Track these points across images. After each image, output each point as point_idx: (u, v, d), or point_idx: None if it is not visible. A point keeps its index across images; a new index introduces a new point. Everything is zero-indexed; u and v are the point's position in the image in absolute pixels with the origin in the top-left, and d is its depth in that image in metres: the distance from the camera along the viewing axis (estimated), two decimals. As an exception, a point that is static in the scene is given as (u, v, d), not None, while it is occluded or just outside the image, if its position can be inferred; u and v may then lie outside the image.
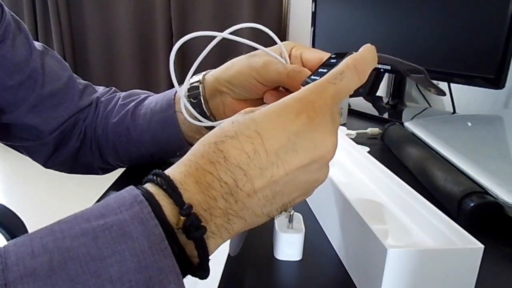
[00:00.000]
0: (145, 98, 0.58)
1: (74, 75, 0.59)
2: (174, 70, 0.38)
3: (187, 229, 0.24)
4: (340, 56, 0.36)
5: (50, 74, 0.55)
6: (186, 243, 0.25)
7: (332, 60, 0.37)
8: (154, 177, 0.26)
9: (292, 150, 0.27)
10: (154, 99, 0.56)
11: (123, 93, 0.61)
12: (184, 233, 0.24)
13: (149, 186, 0.26)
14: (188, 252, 0.25)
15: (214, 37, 0.39)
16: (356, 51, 0.32)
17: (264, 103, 0.46)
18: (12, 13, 0.53)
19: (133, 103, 0.57)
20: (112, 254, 0.22)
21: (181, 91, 0.42)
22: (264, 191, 0.27)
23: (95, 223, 0.23)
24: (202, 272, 0.26)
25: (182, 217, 0.24)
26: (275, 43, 0.43)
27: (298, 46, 0.46)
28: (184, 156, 0.28)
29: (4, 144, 0.59)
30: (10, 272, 0.21)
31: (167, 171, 0.27)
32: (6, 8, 0.51)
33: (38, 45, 0.56)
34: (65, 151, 0.59)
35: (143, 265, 0.22)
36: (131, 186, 0.25)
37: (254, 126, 0.27)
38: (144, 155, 0.57)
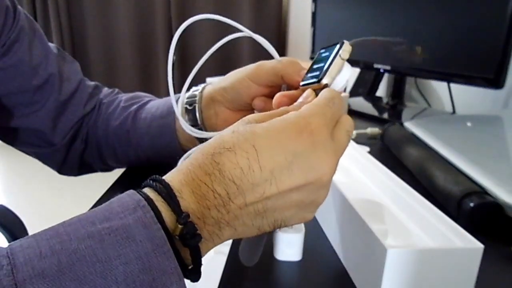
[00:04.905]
0: (148, 102, 0.57)
1: (84, 77, 0.59)
2: (172, 77, 0.39)
3: (184, 237, 0.25)
4: (328, 49, 0.37)
5: (66, 79, 0.54)
6: (181, 248, 0.26)
7: (323, 54, 0.38)
8: (154, 183, 0.27)
9: (287, 170, 0.27)
10: (156, 104, 0.56)
11: (125, 96, 0.60)
12: (180, 239, 0.25)
13: (148, 191, 0.27)
14: (182, 255, 0.26)
15: (214, 43, 0.40)
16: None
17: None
18: (26, 13, 0.52)
19: (135, 106, 0.57)
20: (118, 256, 0.23)
21: (179, 101, 0.42)
22: (255, 205, 0.27)
23: (100, 226, 0.24)
24: (194, 275, 0.27)
25: (179, 225, 0.25)
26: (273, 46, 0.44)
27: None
28: (184, 163, 0.28)
29: (16, 148, 0.58)
30: (19, 273, 0.21)
31: (166, 178, 0.27)
32: (19, 8, 0.50)
33: (52, 47, 0.55)
34: (74, 155, 0.58)
35: (147, 267, 0.23)
36: (132, 191, 0.26)
37: (252, 140, 0.27)
38: (141, 158, 0.57)
